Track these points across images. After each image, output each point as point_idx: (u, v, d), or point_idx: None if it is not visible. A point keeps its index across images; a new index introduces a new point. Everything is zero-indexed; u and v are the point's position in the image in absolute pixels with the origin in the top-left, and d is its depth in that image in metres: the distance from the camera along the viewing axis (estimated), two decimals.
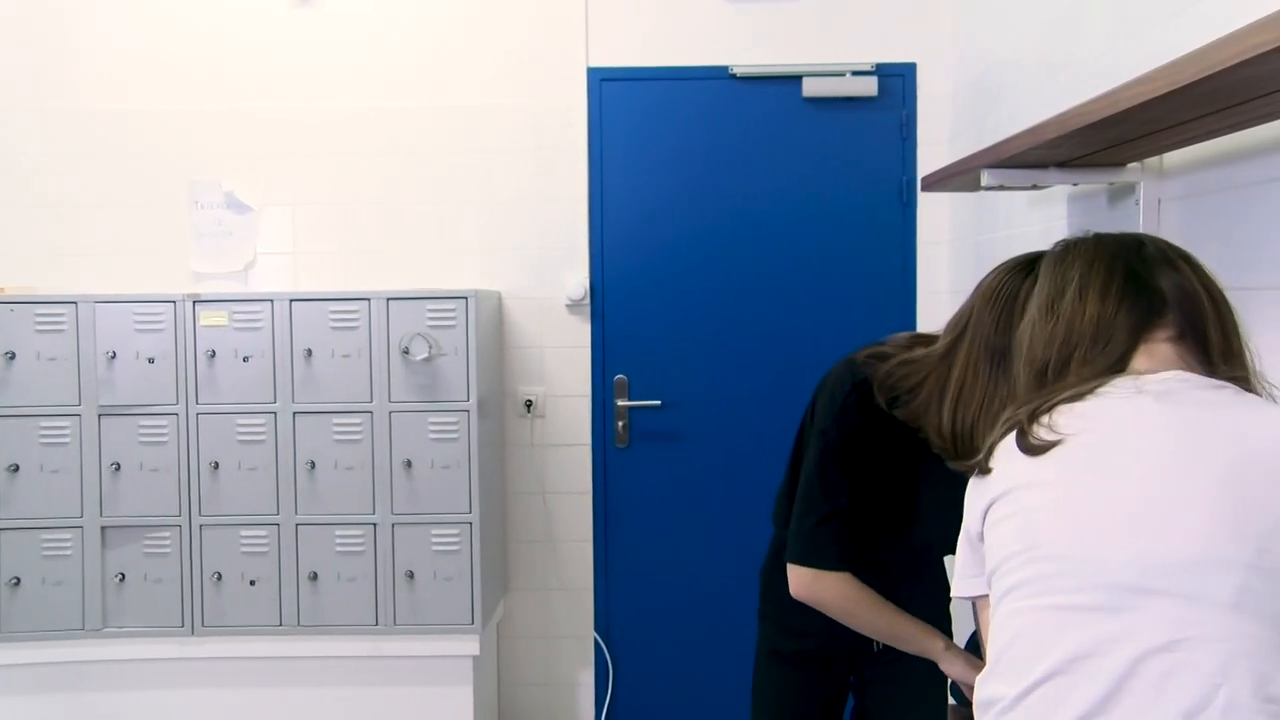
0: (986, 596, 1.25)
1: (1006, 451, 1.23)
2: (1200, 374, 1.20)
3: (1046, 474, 1.16)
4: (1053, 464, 1.16)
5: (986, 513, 1.23)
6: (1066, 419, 1.18)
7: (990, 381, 1.65)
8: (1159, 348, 1.23)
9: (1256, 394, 1.21)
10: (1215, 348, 1.23)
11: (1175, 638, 1.01)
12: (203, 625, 3.17)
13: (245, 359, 3.14)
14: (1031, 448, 1.19)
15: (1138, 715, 1.01)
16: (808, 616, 1.88)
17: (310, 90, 3.57)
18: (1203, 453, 1.08)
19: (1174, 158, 1.89)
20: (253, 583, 3.17)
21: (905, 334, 1.91)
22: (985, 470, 1.26)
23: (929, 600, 1.97)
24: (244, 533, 3.16)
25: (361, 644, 3.18)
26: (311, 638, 3.18)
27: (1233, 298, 1.28)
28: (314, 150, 3.57)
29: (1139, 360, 1.23)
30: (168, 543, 3.16)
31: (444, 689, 3.21)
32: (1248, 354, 1.26)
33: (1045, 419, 1.20)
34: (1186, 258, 1.29)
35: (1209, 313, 1.24)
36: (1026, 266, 1.65)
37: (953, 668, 1.80)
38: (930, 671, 1.84)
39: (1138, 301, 1.25)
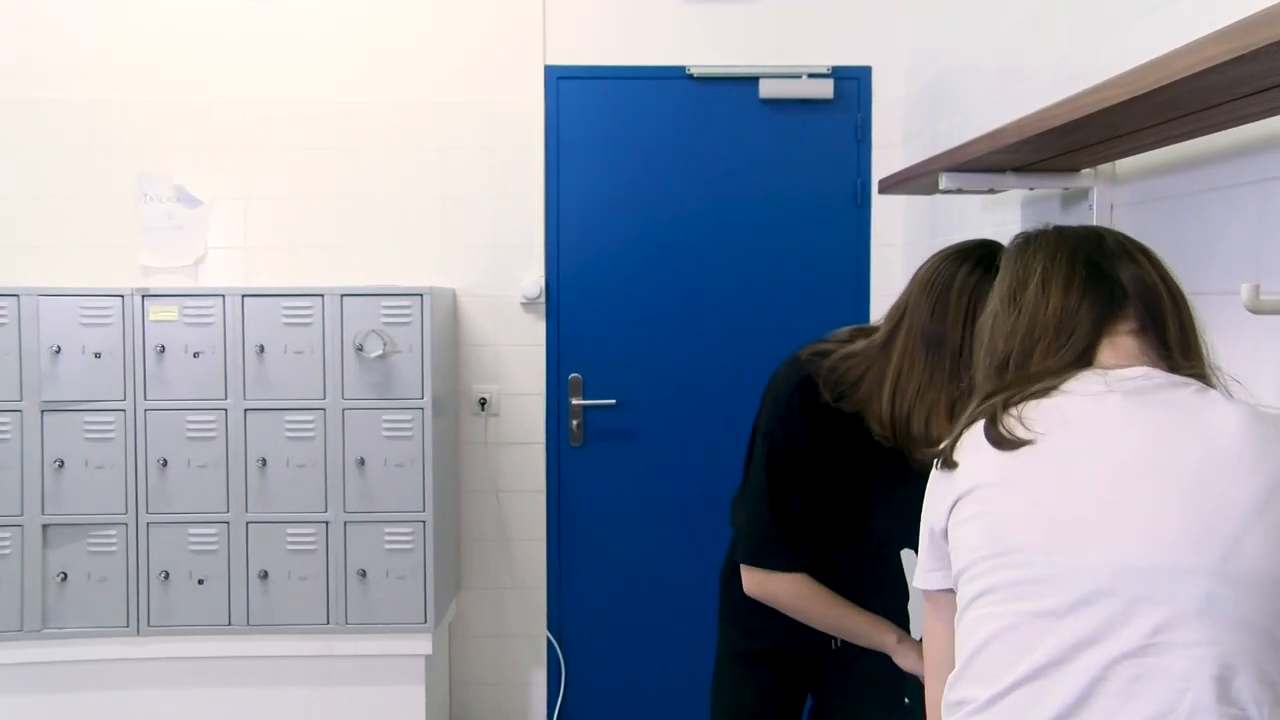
0: (949, 591, 1.26)
1: (974, 444, 1.22)
2: (1162, 369, 1.20)
3: (1016, 474, 1.16)
4: (1023, 464, 1.16)
5: (952, 509, 1.22)
6: (1037, 414, 1.17)
7: (926, 369, 1.68)
8: (1122, 340, 1.23)
9: (1214, 388, 1.21)
10: (1174, 341, 1.23)
11: (1144, 644, 1.03)
12: (149, 625, 3.11)
13: (196, 355, 3.09)
14: (1002, 440, 1.17)
15: (1106, 718, 1.03)
16: (767, 617, 1.89)
17: (264, 84, 3.52)
18: (1171, 457, 1.09)
19: (1127, 164, 1.93)
20: (201, 581, 3.13)
21: (846, 328, 1.93)
22: (950, 464, 1.24)
23: (885, 596, 1.98)
24: (192, 531, 3.11)
25: (312, 643, 3.14)
26: (261, 637, 3.14)
27: (1201, 340, 1.28)
28: (267, 144, 3.53)
29: (1104, 354, 1.23)
30: (113, 541, 3.10)
31: (396, 688, 3.18)
32: (1205, 348, 1.26)
33: (1016, 411, 1.19)
34: (1145, 251, 1.30)
35: (1168, 306, 1.25)
36: (960, 256, 1.69)
37: (906, 660, 1.82)
38: (889, 669, 1.86)
39: (1100, 294, 1.24)
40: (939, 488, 1.27)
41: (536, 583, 3.65)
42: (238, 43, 3.51)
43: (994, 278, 1.60)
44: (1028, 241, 1.35)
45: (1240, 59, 1.12)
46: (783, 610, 1.86)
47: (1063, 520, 1.10)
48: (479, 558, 3.63)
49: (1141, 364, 1.21)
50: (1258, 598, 1.02)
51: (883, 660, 1.85)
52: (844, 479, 1.86)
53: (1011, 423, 1.18)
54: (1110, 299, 1.24)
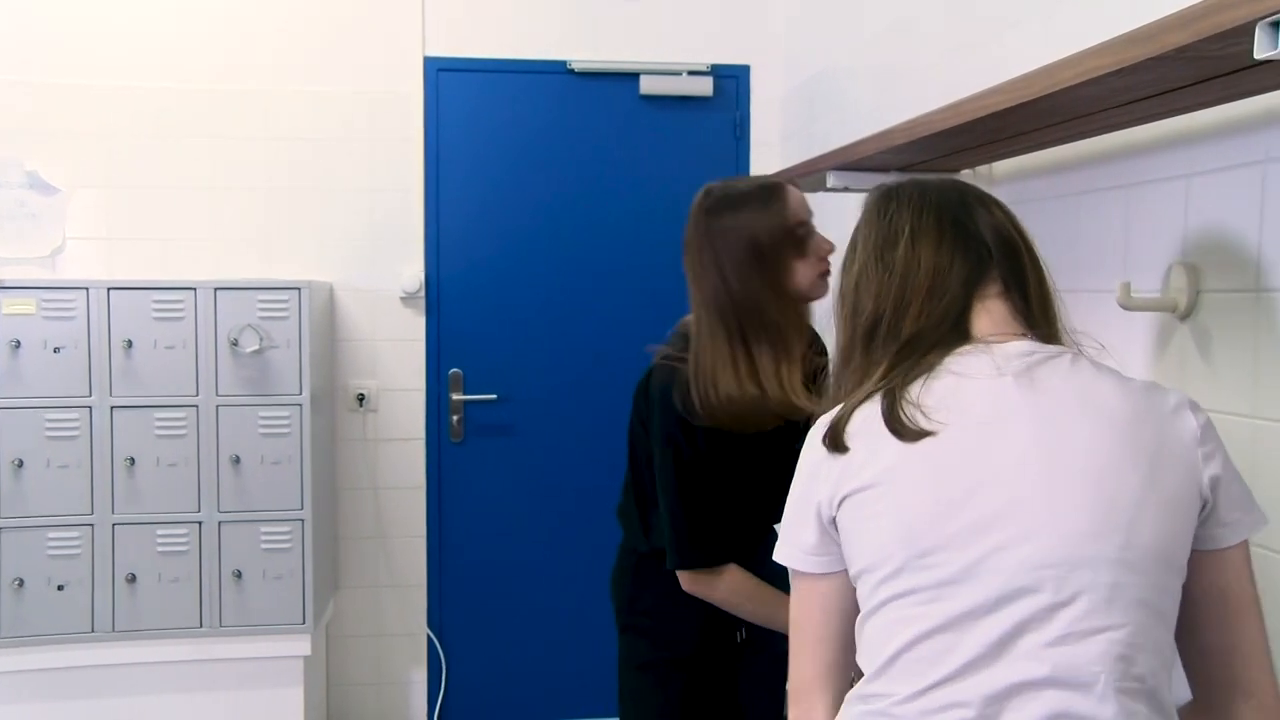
0: (831, 575, 1.23)
1: (869, 430, 1.17)
2: (1029, 333, 1.22)
3: (917, 471, 1.14)
4: (928, 458, 1.14)
5: (845, 499, 1.18)
6: (935, 400, 1.16)
7: (707, 333, 1.77)
8: (993, 304, 1.23)
9: (1081, 356, 1.22)
10: (1034, 300, 1.24)
11: (1063, 633, 1.07)
12: (0, 635, 2.95)
13: (56, 350, 2.94)
14: (904, 430, 1.15)
15: (1026, 706, 1.07)
16: (679, 622, 1.91)
17: (126, 66, 3.37)
18: (1065, 444, 1.12)
19: (1003, 166, 2.04)
20: (60, 587, 2.98)
21: (680, 323, 1.95)
22: (840, 447, 1.19)
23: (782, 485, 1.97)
24: (52, 534, 2.96)
25: (184, 647, 3.03)
26: (128, 643, 3.01)
27: (1056, 300, 1.31)
28: (130, 130, 3.37)
29: (979, 320, 1.22)
30: None
31: (273, 691, 3.10)
32: (1058, 305, 1.28)
33: (913, 396, 1.16)
34: (997, 203, 1.30)
35: (1027, 263, 1.25)
36: (691, 216, 1.85)
37: None
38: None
39: (969, 254, 1.23)
40: (827, 470, 1.20)
41: (416, 580, 3.60)
42: (96, 21, 3.34)
43: (724, 215, 1.75)
44: (889, 196, 1.30)
45: (1123, 71, 1.21)
46: (721, 606, 1.86)
47: (976, 517, 1.11)
48: (357, 556, 3.57)
49: (1014, 330, 1.22)
50: (1152, 576, 1.08)
51: (784, 642, 1.89)
52: (751, 467, 1.87)
53: (911, 410, 1.15)
54: (978, 259, 1.23)
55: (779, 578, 1.82)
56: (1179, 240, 1.55)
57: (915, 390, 1.17)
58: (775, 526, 1.92)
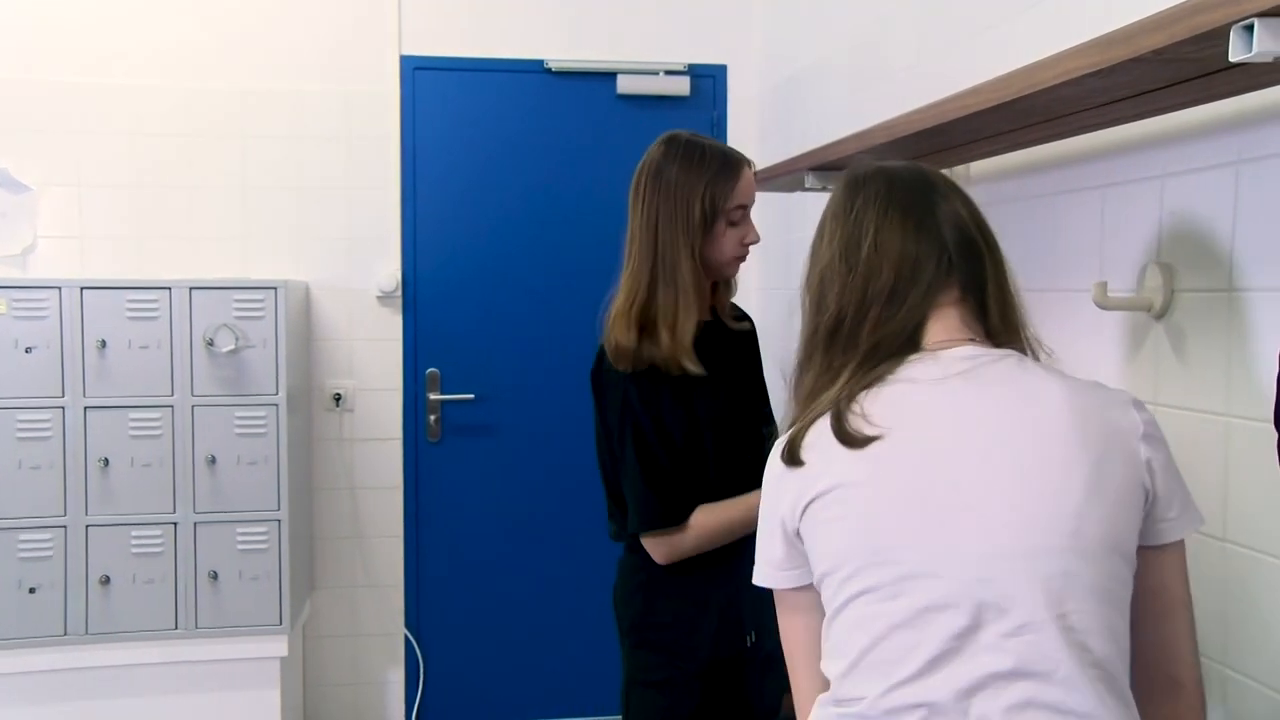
0: (805, 589, 1.26)
1: (822, 443, 1.21)
2: (982, 338, 1.24)
3: (874, 472, 1.17)
4: (875, 462, 1.17)
5: (806, 509, 1.21)
6: (880, 408, 1.19)
7: (630, 270, 1.91)
8: (948, 311, 1.24)
9: (1032, 355, 1.26)
10: (993, 306, 1.26)
11: (1022, 623, 1.10)
12: None
13: (28, 350, 2.91)
14: (850, 439, 1.18)
15: (996, 697, 1.10)
16: (698, 633, 1.89)
17: (99, 62, 3.33)
18: (1010, 441, 1.15)
19: (979, 166, 2.05)
20: (32, 590, 2.95)
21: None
22: (796, 461, 1.23)
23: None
24: (23, 536, 2.94)
25: (159, 650, 3.01)
26: (102, 646, 2.99)
27: (1030, 299, 1.34)
28: (103, 128, 3.34)
29: (933, 328, 1.24)
30: None
31: (250, 693, 3.09)
32: (1020, 308, 1.29)
33: (858, 406, 1.20)
34: (963, 197, 1.31)
35: (987, 266, 1.26)
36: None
37: None
38: None
39: (929, 259, 1.24)
40: (787, 485, 1.24)
41: (393, 580, 3.59)
42: (67, 17, 3.31)
43: (676, 167, 1.83)
44: (855, 188, 1.30)
45: (1099, 73, 1.22)
46: (700, 550, 1.85)
47: (930, 514, 1.14)
48: (333, 556, 3.55)
49: (963, 336, 1.24)
50: (1104, 564, 1.12)
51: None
52: (694, 408, 1.88)
53: (856, 420, 1.19)
54: (937, 263, 1.24)
55: None
56: (1154, 240, 1.57)
57: (862, 400, 1.21)
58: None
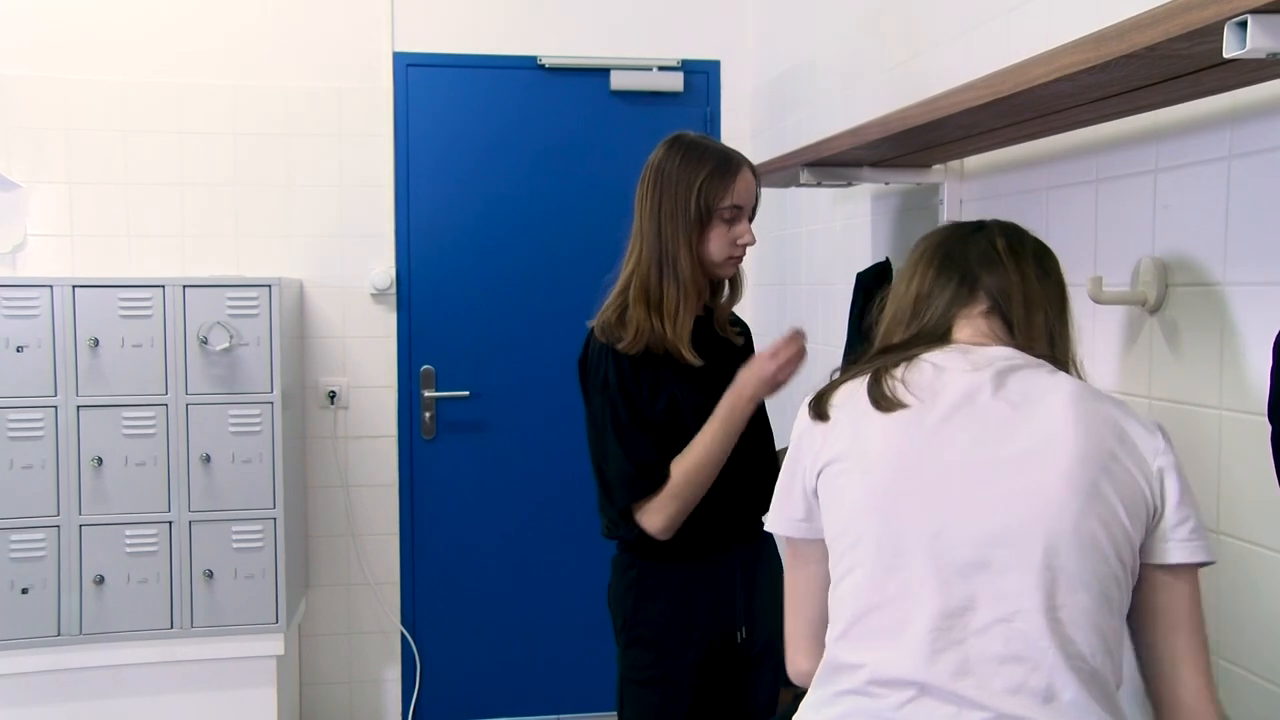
0: (815, 541, 1.31)
1: (852, 403, 1.28)
2: (1017, 348, 1.30)
3: (886, 445, 1.23)
4: (898, 432, 1.23)
5: (824, 469, 1.27)
6: (917, 378, 1.25)
7: (630, 264, 1.94)
8: (976, 320, 1.33)
9: (1066, 371, 1.30)
10: (1018, 321, 1.31)
11: (1012, 610, 1.13)
12: None
13: (19, 349, 2.90)
14: (884, 400, 1.24)
15: (987, 681, 1.13)
16: (689, 629, 1.90)
17: (89, 59, 3.32)
18: (1025, 433, 1.18)
19: (974, 162, 2.05)
20: (25, 591, 2.94)
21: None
22: (823, 415, 1.30)
23: (755, 454, 1.98)
24: (16, 537, 2.93)
25: (154, 649, 3.00)
26: (96, 646, 2.98)
27: (1048, 321, 1.34)
28: (94, 125, 3.33)
29: (961, 331, 1.32)
30: None
31: (246, 691, 3.08)
32: (1046, 324, 1.32)
33: (899, 373, 1.26)
34: (1005, 231, 1.37)
35: (1013, 285, 1.32)
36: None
37: (759, 388, 1.86)
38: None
39: (952, 280, 1.34)
40: (811, 439, 1.31)
41: (389, 578, 3.59)
42: (56, 13, 3.30)
43: (677, 165, 1.89)
44: (923, 238, 1.43)
45: (1093, 68, 1.23)
46: (689, 505, 1.85)
47: (932, 495, 1.19)
48: (328, 554, 3.55)
49: (999, 342, 1.30)
50: (1096, 563, 1.14)
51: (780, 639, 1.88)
52: (705, 386, 1.89)
53: (894, 384, 1.26)
54: (960, 284, 1.34)
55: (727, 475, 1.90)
56: (1148, 235, 1.57)
57: (900, 370, 1.28)
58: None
